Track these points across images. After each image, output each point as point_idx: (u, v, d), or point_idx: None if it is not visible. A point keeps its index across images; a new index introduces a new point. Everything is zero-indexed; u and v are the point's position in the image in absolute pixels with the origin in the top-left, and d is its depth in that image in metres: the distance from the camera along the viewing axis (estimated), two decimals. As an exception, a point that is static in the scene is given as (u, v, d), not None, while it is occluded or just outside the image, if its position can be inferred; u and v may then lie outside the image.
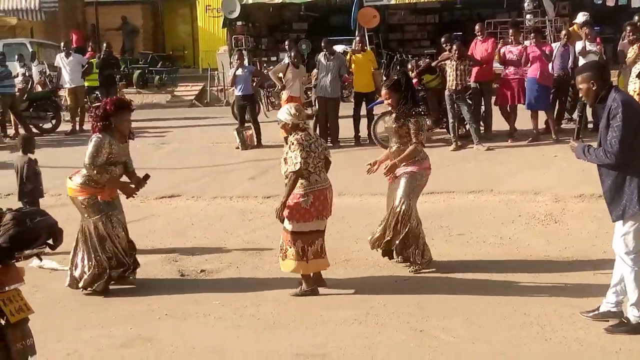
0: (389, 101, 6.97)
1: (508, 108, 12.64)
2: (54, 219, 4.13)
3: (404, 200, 6.91)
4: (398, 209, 6.92)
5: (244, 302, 6.39)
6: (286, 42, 16.59)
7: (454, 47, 12.35)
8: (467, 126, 12.60)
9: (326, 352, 5.29)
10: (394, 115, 7.00)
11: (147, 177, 7.02)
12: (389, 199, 7.20)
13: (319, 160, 6.38)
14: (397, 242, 7.01)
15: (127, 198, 7.04)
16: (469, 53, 12.66)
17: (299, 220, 6.34)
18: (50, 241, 4.13)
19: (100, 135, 6.62)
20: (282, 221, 6.44)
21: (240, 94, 13.98)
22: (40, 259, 4.37)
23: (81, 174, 6.77)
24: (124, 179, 7.04)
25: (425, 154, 7.11)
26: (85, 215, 6.78)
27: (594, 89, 5.38)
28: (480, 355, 5.18)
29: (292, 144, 6.28)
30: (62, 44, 17.74)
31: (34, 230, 4.00)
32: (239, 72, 13.91)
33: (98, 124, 6.65)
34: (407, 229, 6.91)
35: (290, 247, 6.41)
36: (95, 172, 6.58)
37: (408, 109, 6.89)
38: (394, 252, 7.26)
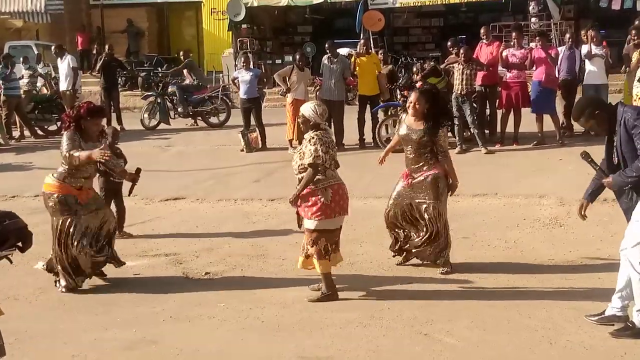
0: (417, 106, 6.80)
1: (512, 112, 12.63)
2: (24, 222, 4.11)
3: (435, 203, 6.85)
4: (432, 212, 6.85)
5: (249, 304, 6.38)
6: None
7: (461, 50, 12.34)
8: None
9: (330, 355, 5.29)
10: (415, 125, 6.87)
11: (139, 170, 7.27)
12: (404, 203, 7.08)
13: (333, 160, 6.35)
14: (428, 245, 6.97)
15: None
16: (474, 56, 12.65)
17: (321, 217, 6.26)
18: (19, 244, 4.12)
19: (70, 131, 6.81)
20: (295, 204, 6.37)
21: (245, 97, 14.01)
22: (10, 260, 4.35)
23: (58, 171, 6.89)
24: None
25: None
26: (52, 215, 6.89)
27: (600, 119, 5.39)
28: (484, 358, 5.17)
29: (312, 138, 6.23)
30: (52, 48, 17.74)
31: (2, 233, 3.99)
32: (246, 76, 13.94)
33: (70, 124, 6.84)
34: (442, 231, 6.88)
35: (313, 246, 6.33)
36: (74, 158, 6.64)
37: (436, 126, 6.79)
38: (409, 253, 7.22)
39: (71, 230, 6.80)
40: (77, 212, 6.84)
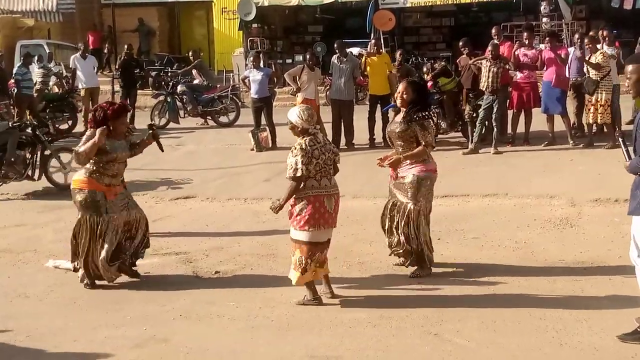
0: (404, 96, 6.77)
1: (523, 112, 12.59)
2: None
3: (412, 204, 6.81)
4: (407, 213, 6.82)
5: (258, 303, 6.40)
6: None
7: (489, 46, 12.20)
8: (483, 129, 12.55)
9: (340, 355, 5.29)
10: (399, 118, 6.88)
11: (151, 126, 7.39)
12: (390, 199, 7.09)
13: (323, 166, 6.21)
14: (407, 244, 6.93)
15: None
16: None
17: (297, 227, 6.21)
18: None
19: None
20: (277, 212, 6.40)
21: (256, 96, 14.04)
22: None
23: (86, 167, 6.88)
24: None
25: (431, 157, 6.94)
26: (79, 211, 6.90)
27: None
28: (494, 359, 5.16)
29: (294, 149, 6.16)
30: (80, 45, 17.96)
31: None
32: (257, 75, 13.96)
33: (96, 126, 6.78)
34: (417, 231, 6.83)
35: (292, 256, 6.32)
36: (79, 155, 6.69)
37: (415, 113, 6.76)
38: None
39: (97, 230, 6.79)
40: (106, 210, 6.81)
